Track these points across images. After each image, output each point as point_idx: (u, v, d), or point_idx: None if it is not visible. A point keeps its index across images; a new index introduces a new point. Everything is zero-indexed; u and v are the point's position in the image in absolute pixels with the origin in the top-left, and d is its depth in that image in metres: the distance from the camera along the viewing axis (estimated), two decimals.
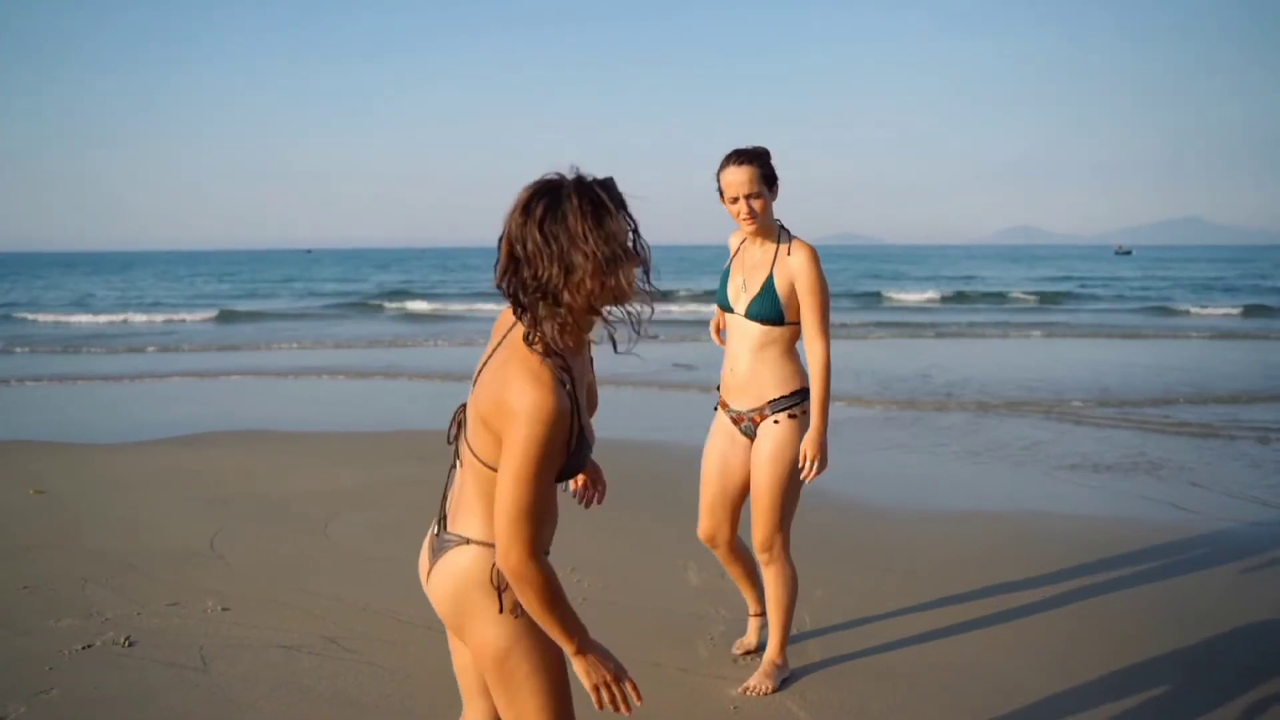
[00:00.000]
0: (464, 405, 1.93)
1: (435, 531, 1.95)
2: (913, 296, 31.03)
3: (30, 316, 24.72)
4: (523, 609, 1.79)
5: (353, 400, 10.55)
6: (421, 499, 5.90)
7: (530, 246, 1.70)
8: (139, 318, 24.25)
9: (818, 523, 5.47)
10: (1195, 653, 3.69)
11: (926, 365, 13.18)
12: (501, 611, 1.82)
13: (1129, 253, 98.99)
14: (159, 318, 24.23)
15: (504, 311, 1.92)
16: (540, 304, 1.73)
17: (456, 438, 1.94)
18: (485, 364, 1.86)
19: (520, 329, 1.79)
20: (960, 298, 31.27)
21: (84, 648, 3.70)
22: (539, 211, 1.70)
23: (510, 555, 1.70)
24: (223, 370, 13.44)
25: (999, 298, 31.31)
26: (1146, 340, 18.17)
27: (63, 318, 24.18)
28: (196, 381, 12.39)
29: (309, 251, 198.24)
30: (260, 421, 8.76)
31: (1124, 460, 7.18)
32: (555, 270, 1.70)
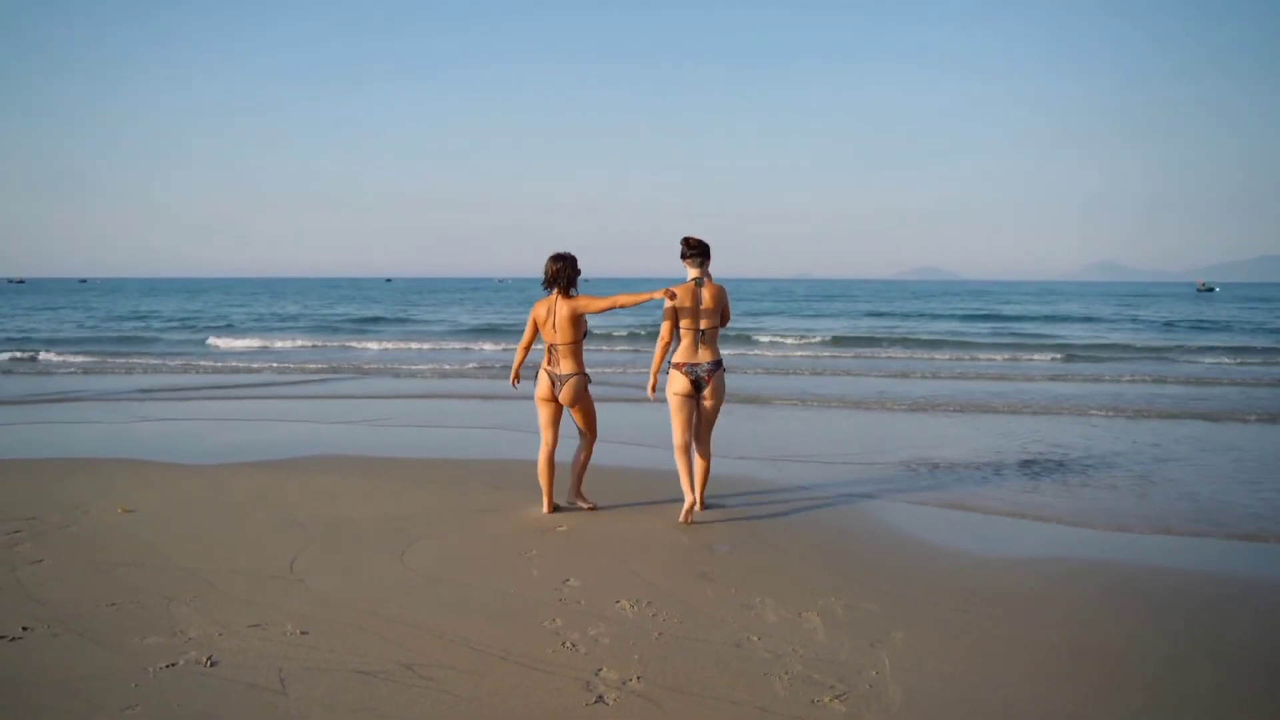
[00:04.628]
0: (552, 345, 6.07)
1: (554, 373, 6.08)
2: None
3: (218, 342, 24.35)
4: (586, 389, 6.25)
5: (433, 428, 10.67)
6: (496, 527, 5.94)
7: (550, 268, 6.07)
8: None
9: (897, 567, 5.34)
10: None
11: None
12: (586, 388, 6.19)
13: (1212, 289, 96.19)
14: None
15: (537, 303, 6.15)
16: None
17: (556, 346, 6.05)
18: (552, 310, 6.03)
19: (562, 294, 6.05)
20: None
21: (168, 666, 3.76)
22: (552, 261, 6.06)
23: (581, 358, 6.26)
24: (318, 395, 13.75)
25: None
26: None
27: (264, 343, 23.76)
28: (291, 406, 12.68)
29: (389, 280, 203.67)
30: (345, 447, 8.92)
31: None
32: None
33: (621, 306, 6.01)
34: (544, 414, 6.23)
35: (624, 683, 3.64)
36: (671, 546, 5.56)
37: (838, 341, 26.68)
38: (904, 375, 17.11)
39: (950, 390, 14.57)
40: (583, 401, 6.18)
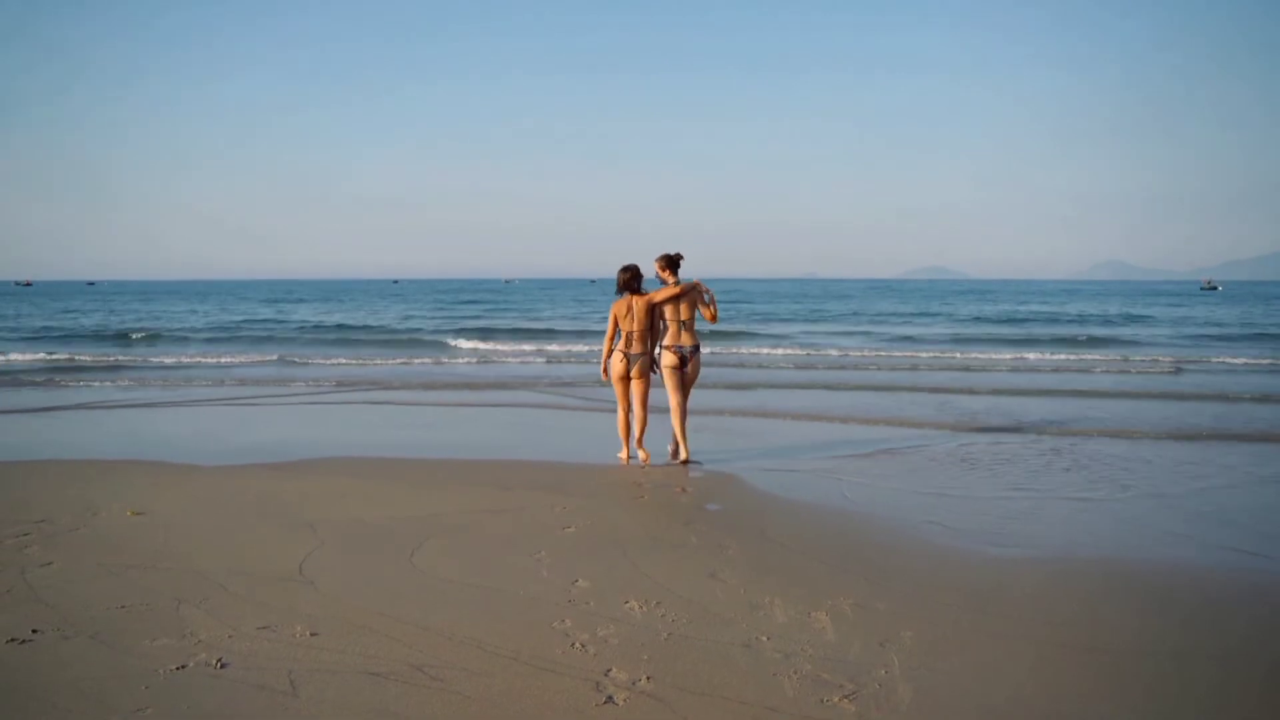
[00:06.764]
0: (630, 333, 8.15)
1: (630, 354, 8.15)
2: None
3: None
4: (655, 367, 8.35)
5: (442, 429, 10.68)
6: (505, 528, 5.94)
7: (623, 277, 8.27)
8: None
9: (905, 566, 5.33)
10: None
11: None
12: (654, 370, 8.34)
13: (1215, 288, 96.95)
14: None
15: (615, 302, 8.26)
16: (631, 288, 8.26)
17: (633, 333, 8.14)
18: (630, 306, 8.14)
19: (634, 294, 8.19)
20: None
21: (178, 668, 3.76)
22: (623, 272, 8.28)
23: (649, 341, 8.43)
24: (330, 400, 13.77)
25: None
26: None
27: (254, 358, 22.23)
28: (302, 408, 12.70)
29: (395, 281, 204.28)
30: (354, 448, 8.93)
31: None
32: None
33: (670, 294, 8.09)
34: (619, 389, 8.28)
35: (633, 683, 3.64)
36: (680, 547, 5.56)
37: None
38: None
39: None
40: (648, 375, 8.23)
